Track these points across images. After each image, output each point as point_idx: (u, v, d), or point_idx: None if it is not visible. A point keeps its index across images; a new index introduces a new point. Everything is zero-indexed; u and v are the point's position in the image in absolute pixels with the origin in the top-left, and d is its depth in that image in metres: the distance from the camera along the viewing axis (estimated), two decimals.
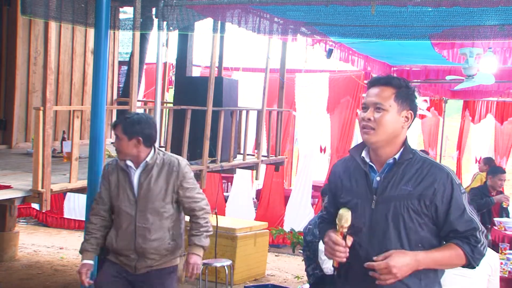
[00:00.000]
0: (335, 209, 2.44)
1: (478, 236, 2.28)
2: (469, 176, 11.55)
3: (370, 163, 2.39)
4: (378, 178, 2.35)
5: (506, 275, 5.08)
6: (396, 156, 2.34)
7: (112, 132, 9.15)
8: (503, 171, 7.74)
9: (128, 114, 3.88)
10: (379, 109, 2.31)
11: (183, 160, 3.74)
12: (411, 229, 2.27)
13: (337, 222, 2.33)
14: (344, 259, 2.29)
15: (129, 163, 3.67)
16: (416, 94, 2.44)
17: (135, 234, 3.60)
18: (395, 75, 9.05)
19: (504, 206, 7.32)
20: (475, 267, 2.33)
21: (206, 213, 3.82)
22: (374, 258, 2.25)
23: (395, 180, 2.31)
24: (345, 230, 2.31)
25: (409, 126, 2.39)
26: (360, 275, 2.33)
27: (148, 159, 3.63)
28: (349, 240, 2.29)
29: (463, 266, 2.32)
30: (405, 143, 2.38)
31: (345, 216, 2.31)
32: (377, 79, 2.40)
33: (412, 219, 2.27)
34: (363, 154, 2.41)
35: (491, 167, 8.12)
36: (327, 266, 5.03)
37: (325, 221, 2.59)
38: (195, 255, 3.82)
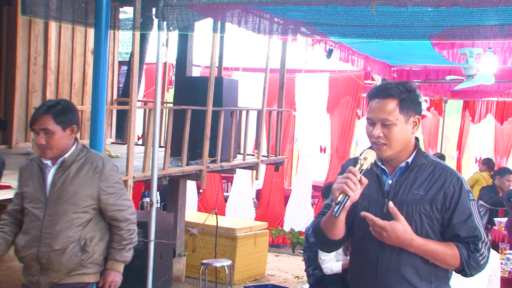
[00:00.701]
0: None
1: (479, 245, 2.25)
2: (469, 176, 11.56)
3: (382, 166, 2.38)
4: (390, 182, 2.34)
5: (506, 275, 5.08)
6: (409, 160, 2.34)
7: (112, 132, 9.12)
8: (510, 171, 7.75)
9: (49, 101, 3.25)
10: (387, 125, 2.27)
11: (109, 161, 3.27)
12: (422, 233, 2.26)
13: (360, 157, 2.26)
14: (352, 194, 2.17)
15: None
16: (419, 95, 2.41)
17: (40, 241, 3.14)
18: (395, 75, 9.14)
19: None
20: (468, 275, 2.30)
21: (131, 224, 3.40)
22: (390, 204, 2.21)
23: (407, 184, 2.30)
24: (366, 166, 2.24)
25: (417, 128, 2.38)
26: (370, 280, 2.32)
27: (66, 155, 3.14)
28: (365, 180, 2.21)
29: (457, 271, 2.30)
30: (417, 146, 2.37)
31: (371, 154, 2.27)
32: (376, 93, 2.34)
33: (424, 224, 2.26)
34: (376, 157, 2.39)
35: (500, 168, 8.17)
36: (327, 266, 5.03)
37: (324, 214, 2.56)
38: (114, 271, 3.34)
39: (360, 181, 2.19)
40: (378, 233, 2.22)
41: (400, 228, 2.19)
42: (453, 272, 2.38)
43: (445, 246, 2.25)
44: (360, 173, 2.21)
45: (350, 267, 2.52)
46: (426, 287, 2.28)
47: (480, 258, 2.26)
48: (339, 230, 2.34)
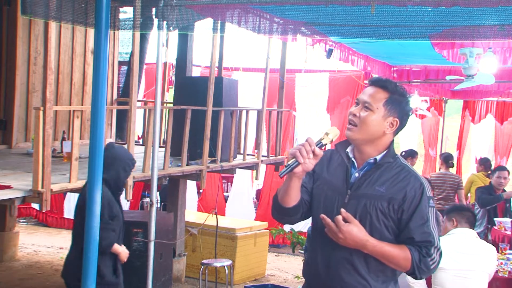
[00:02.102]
0: (307, 187, 2.49)
1: (431, 250, 2.32)
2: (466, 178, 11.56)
3: (353, 159, 2.46)
4: (356, 174, 2.43)
5: (506, 275, 5.08)
6: (378, 157, 2.42)
7: (112, 132, 9.16)
8: (503, 168, 7.73)
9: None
10: (366, 108, 2.38)
11: None
12: (376, 229, 2.33)
13: (324, 132, 2.34)
14: (301, 161, 2.25)
15: None
16: (410, 105, 2.49)
17: None
18: (395, 75, 9.14)
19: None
20: (417, 278, 2.38)
21: None
22: (342, 210, 2.29)
23: (372, 179, 2.38)
24: (325, 141, 2.32)
25: (395, 133, 2.46)
26: (323, 267, 2.41)
27: None
28: (319, 151, 2.28)
29: (407, 273, 2.37)
30: (389, 147, 2.45)
31: (334, 131, 2.34)
32: (377, 80, 2.45)
33: (379, 219, 2.33)
34: (348, 149, 2.49)
35: (495, 167, 8.14)
36: None
37: None
38: None
39: (313, 152, 2.26)
40: (334, 235, 2.29)
41: (355, 230, 2.27)
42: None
43: (398, 248, 2.32)
44: (317, 145, 2.29)
45: (308, 253, 2.58)
46: (373, 280, 2.36)
47: (430, 263, 2.33)
48: (291, 198, 2.40)
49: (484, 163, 8.76)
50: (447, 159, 8.59)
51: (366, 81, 9.41)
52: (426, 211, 2.34)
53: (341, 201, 2.38)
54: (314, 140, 2.30)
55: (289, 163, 2.28)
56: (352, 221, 2.27)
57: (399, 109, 2.41)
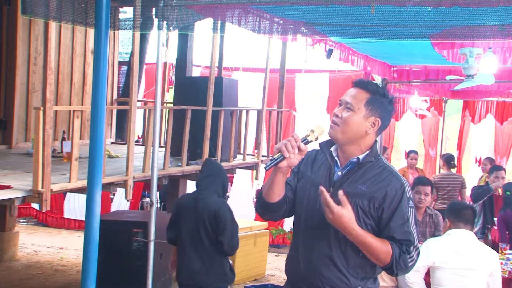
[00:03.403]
0: (291, 185, 2.56)
1: (411, 249, 2.37)
2: (469, 176, 11.55)
3: (336, 158, 2.52)
4: (339, 173, 2.48)
5: (506, 275, 5.08)
6: (360, 157, 2.46)
7: (112, 132, 9.16)
8: (499, 168, 7.72)
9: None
10: (348, 109, 2.44)
11: None
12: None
13: (310, 129, 2.39)
14: (287, 155, 2.31)
15: None
16: (393, 107, 2.54)
17: None
18: (395, 75, 9.13)
19: (500, 193, 7.30)
20: (393, 274, 2.42)
21: None
22: (339, 192, 2.31)
23: (354, 178, 2.43)
24: (311, 138, 2.38)
25: (378, 133, 2.50)
26: (304, 262, 2.46)
27: None
28: (304, 147, 2.34)
29: (385, 268, 2.41)
30: (372, 147, 2.49)
31: (319, 128, 2.39)
32: (359, 81, 2.53)
33: (359, 217, 2.37)
34: (332, 148, 2.54)
35: (491, 167, 8.13)
36: None
37: None
38: None
39: (299, 147, 2.32)
40: (325, 211, 2.32)
41: (346, 215, 2.29)
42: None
43: (380, 242, 2.36)
44: (303, 141, 2.34)
45: (290, 250, 2.63)
46: (352, 277, 2.41)
47: (409, 260, 2.38)
48: (275, 193, 2.45)
49: (490, 162, 8.82)
50: (449, 160, 8.60)
51: None
52: (406, 211, 2.39)
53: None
54: (300, 136, 2.36)
55: (274, 156, 2.34)
56: (345, 205, 2.30)
57: (381, 109, 2.46)
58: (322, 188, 2.33)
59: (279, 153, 2.32)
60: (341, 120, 2.43)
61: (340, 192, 2.31)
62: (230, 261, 4.60)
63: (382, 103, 2.46)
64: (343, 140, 2.46)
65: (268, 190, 2.45)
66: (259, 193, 2.55)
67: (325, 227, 2.39)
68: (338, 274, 2.40)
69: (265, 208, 2.52)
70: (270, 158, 2.33)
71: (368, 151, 2.47)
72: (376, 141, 2.52)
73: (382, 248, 2.34)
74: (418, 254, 2.42)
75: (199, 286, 4.41)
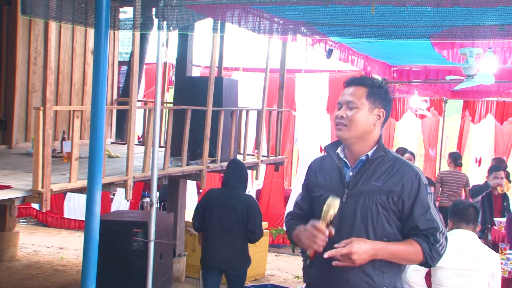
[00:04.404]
0: (308, 205, 2.56)
1: (438, 236, 2.36)
2: (469, 176, 11.54)
3: (345, 159, 2.49)
4: (350, 173, 2.46)
5: (506, 275, 5.08)
6: (369, 153, 2.45)
7: (112, 132, 9.16)
8: (498, 168, 7.72)
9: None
10: (351, 107, 2.43)
11: None
12: (378, 223, 2.36)
13: (324, 209, 2.33)
14: (321, 249, 2.31)
15: None
16: (390, 96, 2.55)
17: None
18: (395, 75, 9.13)
19: (500, 192, 7.31)
20: (431, 266, 2.42)
21: None
22: (335, 245, 2.30)
23: (367, 175, 2.41)
24: (330, 218, 2.33)
25: (382, 125, 2.50)
26: (329, 264, 2.40)
27: None
28: (332, 230, 2.32)
29: (421, 264, 2.40)
30: (379, 141, 2.48)
31: (333, 204, 2.33)
32: (351, 80, 2.52)
33: (380, 214, 2.36)
34: (338, 150, 2.52)
35: (490, 167, 8.14)
36: None
37: (295, 218, 2.66)
38: None
39: (328, 234, 2.32)
40: (347, 260, 2.30)
41: (360, 243, 2.29)
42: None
43: (406, 244, 2.35)
44: (327, 227, 2.31)
45: (314, 254, 2.58)
46: (377, 277, 2.38)
47: (440, 248, 2.38)
48: None
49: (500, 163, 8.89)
50: (456, 159, 8.86)
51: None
52: (426, 198, 2.38)
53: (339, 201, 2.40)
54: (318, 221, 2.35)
55: (308, 253, 2.37)
56: (351, 241, 2.30)
57: (381, 99, 2.46)
58: (329, 253, 2.32)
59: (310, 249, 2.36)
60: (347, 119, 2.42)
61: (327, 253, 2.31)
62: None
63: (381, 94, 2.47)
64: (353, 139, 2.44)
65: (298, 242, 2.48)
66: (289, 237, 2.60)
67: (346, 231, 2.37)
68: (364, 277, 2.37)
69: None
70: (307, 255, 2.39)
71: (376, 146, 2.46)
72: (380, 135, 2.52)
73: (410, 250, 2.34)
74: (446, 239, 2.40)
75: (227, 269, 5.09)
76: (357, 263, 2.29)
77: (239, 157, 7.53)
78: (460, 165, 8.93)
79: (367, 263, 2.34)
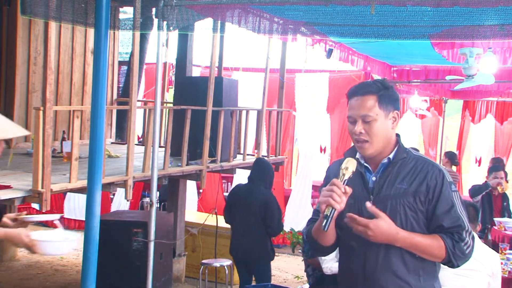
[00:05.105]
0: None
1: (463, 235, 2.30)
2: (469, 176, 11.55)
3: (366, 164, 2.42)
4: (374, 178, 2.38)
5: (506, 275, 5.08)
6: (391, 156, 2.38)
7: (112, 132, 9.16)
8: (498, 168, 7.72)
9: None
10: (367, 121, 2.33)
11: None
12: (407, 226, 2.30)
13: (342, 166, 2.28)
14: (338, 207, 2.20)
15: None
16: (397, 92, 2.46)
17: None
18: (395, 75, 9.13)
19: (500, 191, 7.30)
20: (455, 266, 2.34)
21: None
22: (367, 204, 2.24)
23: (391, 179, 2.35)
24: (348, 176, 2.26)
25: (397, 124, 2.42)
26: (360, 276, 2.35)
27: None
28: (349, 189, 2.24)
29: (444, 263, 2.34)
30: (398, 142, 2.42)
31: (352, 162, 2.28)
32: (355, 90, 2.42)
33: (408, 216, 2.30)
34: (358, 155, 2.43)
35: (489, 167, 8.13)
36: (327, 266, 5.03)
37: (315, 221, 2.58)
38: None
39: (344, 191, 2.21)
40: (363, 232, 2.25)
41: (383, 224, 2.22)
42: (441, 267, 2.42)
43: (430, 238, 2.29)
44: (344, 183, 2.23)
45: (339, 264, 2.55)
46: (414, 281, 2.32)
47: (465, 247, 2.31)
48: (330, 236, 2.39)
49: (449, 157, 8.91)
50: (453, 158, 8.80)
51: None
52: (450, 196, 2.31)
53: (365, 208, 2.32)
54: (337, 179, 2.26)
55: (326, 213, 2.22)
56: (379, 216, 2.23)
57: (392, 101, 2.38)
58: (349, 214, 2.26)
59: (328, 208, 2.21)
60: (367, 135, 2.32)
61: (368, 204, 2.24)
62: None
63: (390, 95, 2.38)
64: (378, 152, 2.36)
65: (323, 237, 2.38)
66: (309, 238, 2.48)
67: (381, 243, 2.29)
68: (399, 282, 2.31)
69: (323, 251, 2.47)
70: (324, 216, 2.21)
71: (396, 148, 2.39)
72: (398, 135, 2.44)
73: (433, 243, 2.27)
74: (473, 238, 2.33)
75: (248, 261, 5.50)
76: (371, 239, 2.24)
77: (239, 157, 7.54)
78: (457, 164, 8.89)
79: (399, 266, 2.30)
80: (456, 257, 2.29)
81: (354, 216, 2.25)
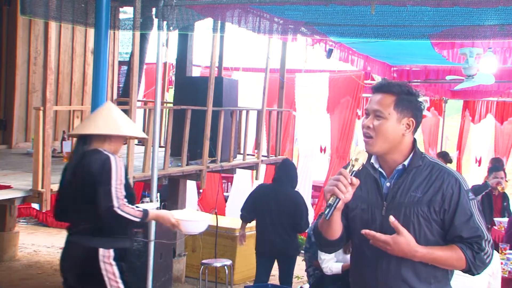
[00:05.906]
0: (343, 216, 2.39)
1: (483, 245, 2.25)
2: (469, 176, 11.54)
3: (380, 169, 2.38)
4: (388, 184, 2.33)
5: (506, 275, 5.08)
6: (406, 163, 2.33)
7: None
8: (498, 168, 7.70)
9: None
10: (378, 117, 2.29)
11: None
12: (420, 236, 2.25)
13: (351, 159, 2.24)
14: (342, 196, 2.16)
15: None
16: (422, 100, 2.40)
17: None
18: (395, 75, 9.13)
19: (500, 190, 7.28)
20: (474, 274, 2.30)
21: None
22: (390, 219, 2.20)
23: (405, 186, 2.29)
24: (357, 167, 2.21)
25: (414, 132, 2.35)
26: (371, 282, 2.33)
27: None
28: (356, 181, 2.19)
29: (464, 271, 2.30)
30: (414, 148, 2.36)
31: (362, 154, 2.23)
32: (379, 86, 2.37)
33: (422, 226, 2.26)
34: (373, 160, 2.39)
35: (489, 167, 8.11)
36: (327, 266, 5.03)
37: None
38: None
39: (351, 182, 2.17)
40: (381, 247, 2.22)
41: (403, 241, 2.19)
42: (454, 272, 2.39)
43: (449, 250, 2.25)
44: (351, 174, 2.19)
45: (351, 268, 2.53)
46: None
47: (485, 257, 2.26)
48: (335, 230, 2.35)
49: (443, 156, 8.86)
50: (446, 156, 8.74)
51: (366, 82, 9.48)
52: (468, 205, 2.26)
53: (379, 214, 2.32)
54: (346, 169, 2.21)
55: (329, 202, 2.17)
56: (399, 232, 2.19)
57: (411, 107, 2.31)
58: (365, 231, 2.23)
59: (332, 196, 2.17)
60: (373, 130, 2.28)
61: (391, 218, 2.20)
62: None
63: (411, 102, 2.32)
64: (382, 151, 2.31)
65: (328, 230, 2.34)
66: (316, 233, 2.46)
67: None
68: None
69: (329, 245, 2.43)
70: (327, 205, 2.17)
71: (412, 154, 2.33)
72: (415, 139, 2.38)
73: (453, 256, 2.23)
74: (492, 247, 2.28)
75: (278, 255, 5.85)
76: (388, 252, 2.22)
77: (239, 157, 7.54)
78: (451, 161, 8.81)
79: (410, 274, 2.28)
80: (476, 267, 2.25)
81: (372, 233, 2.22)
